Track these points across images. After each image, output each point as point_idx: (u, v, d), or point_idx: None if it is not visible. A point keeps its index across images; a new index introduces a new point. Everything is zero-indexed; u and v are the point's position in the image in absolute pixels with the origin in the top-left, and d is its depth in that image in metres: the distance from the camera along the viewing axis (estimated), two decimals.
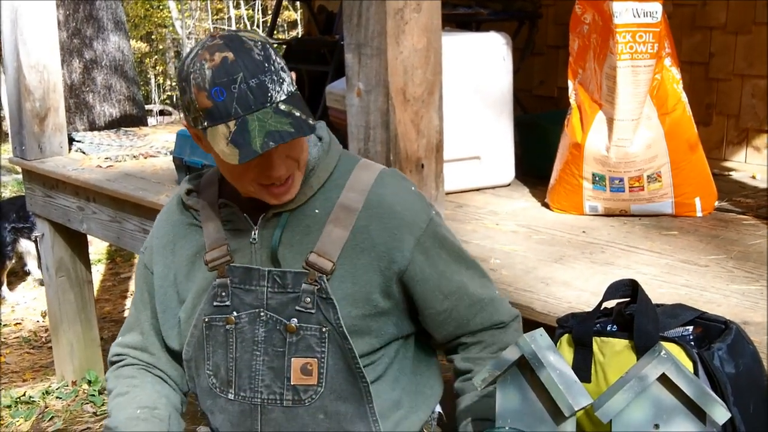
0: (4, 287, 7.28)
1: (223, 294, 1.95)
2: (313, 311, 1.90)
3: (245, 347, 1.94)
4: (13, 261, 7.37)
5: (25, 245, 7.34)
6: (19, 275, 7.58)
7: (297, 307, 1.91)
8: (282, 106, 1.76)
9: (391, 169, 2.06)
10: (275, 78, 1.77)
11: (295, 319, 1.90)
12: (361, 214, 1.93)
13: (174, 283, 2.04)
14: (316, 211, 1.94)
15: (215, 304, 1.96)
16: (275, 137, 1.72)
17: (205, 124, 1.77)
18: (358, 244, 1.91)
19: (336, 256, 1.90)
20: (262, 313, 1.93)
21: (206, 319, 1.96)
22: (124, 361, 2.14)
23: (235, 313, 1.94)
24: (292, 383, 1.92)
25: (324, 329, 1.90)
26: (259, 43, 1.79)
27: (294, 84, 1.85)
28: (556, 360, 1.57)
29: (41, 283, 6.59)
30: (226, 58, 1.74)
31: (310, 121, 1.79)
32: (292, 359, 1.92)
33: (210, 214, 2.01)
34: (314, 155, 1.97)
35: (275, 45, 1.87)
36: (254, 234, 1.95)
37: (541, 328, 1.66)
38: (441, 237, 2.00)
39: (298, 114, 1.77)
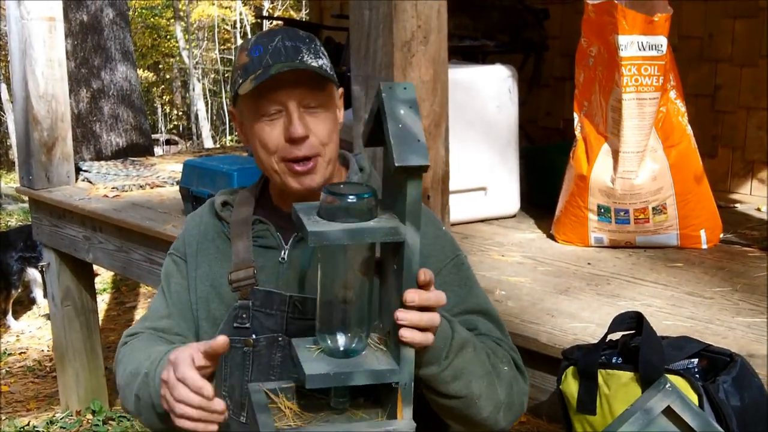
0: (10, 316, 7.28)
1: (244, 316, 1.94)
2: None
3: (261, 371, 1.93)
4: (20, 290, 7.37)
5: (33, 274, 7.35)
6: (24, 304, 7.58)
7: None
8: (309, 63, 1.84)
9: (425, 207, 2.06)
10: (312, 51, 1.86)
11: None
12: None
13: (195, 275, 2.05)
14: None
15: (235, 325, 1.94)
16: (290, 66, 1.80)
17: (240, 81, 1.85)
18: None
19: None
20: (280, 338, 1.91)
21: None
22: (136, 337, 2.09)
23: (254, 336, 1.94)
24: None
25: None
26: (310, 34, 1.92)
27: (333, 73, 1.91)
28: (407, 115, 1.43)
29: (48, 318, 6.59)
30: (273, 29, 1.92)
31: (332, 81, 1.87)
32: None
33: (241, 231, 2.00)
34: (355, 181, 1.99)
35: None
36: (284, 254, 1.95)
37: (412, 83, 1.51)
38: (464, 279, 1.96)
39: (321, 72, 1.84)
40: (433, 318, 1.50)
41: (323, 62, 1.87)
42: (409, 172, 1.39)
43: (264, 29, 22.59)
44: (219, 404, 1.58)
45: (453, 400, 1.71)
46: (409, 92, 1.45)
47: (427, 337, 1.51)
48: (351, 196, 1.46)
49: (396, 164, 1.37)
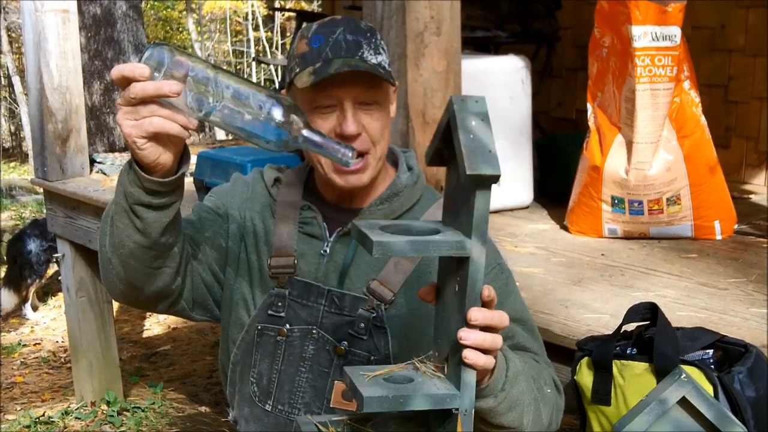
0: (28, 306, 7.28)
1: (279, 304, 1.94)
2: (365, 337, 1.89)
3: (292, 361, 1.93)
4: (43, 281, 7.38)
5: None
6: (39, 295, 7.61)
7: (350, 331, 1.89)
8: (370, 61, 1.82)
9: None
10: (372, 46, 1.85)
11: (346, 342, 1.89)
12: None
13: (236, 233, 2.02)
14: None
15: (270, 312, 1.94)
16: (350, 66, 1.78)
17: (297, 70, 1.84)
18: (421, 277, 1.90)
19: (398, 287, 1.89)
20: (314, 331, 1.92)
21: (259, 327, 1.95)
22: None
23: (287, 326, 1.93)
24: (331, 406, 1.91)
25: (372, 358, 1.88)
26: (371, 26, 1.90)
27: (391, 69, 1.89)
28: (479, 126, 1.39)
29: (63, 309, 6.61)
30: (335, 18, 1.88)
31: (391, 80, 1.84)
32: (336, 382, 1.91)
33: (288, 214, 1.99)
34: (404, 182, 1.99)
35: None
36: (326, 246, 1.95)
37: (484, 97, 1.45)
38: (504, 287, 1.94)
39: (381, 70, 1.82)
40: (496, 339, 1.44)
41: (382, 59, 1.86)
42: (480, 182, 1.35)
43: (275, 21, 22.41)
44: (166, 84, 1.48)
45: (503, 430, 1.67)
46: (480, 105, 1.42)
47: (489, 360, 1.45)
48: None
49: (467, 172, 1.33)
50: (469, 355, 1.39)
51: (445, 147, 1.44)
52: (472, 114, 1.40)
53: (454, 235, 1.40)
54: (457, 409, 1.41)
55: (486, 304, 1.43)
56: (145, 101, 1.50)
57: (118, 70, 1.49)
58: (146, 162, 1.58)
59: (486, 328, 1.42)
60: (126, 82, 1.49)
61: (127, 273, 1.76)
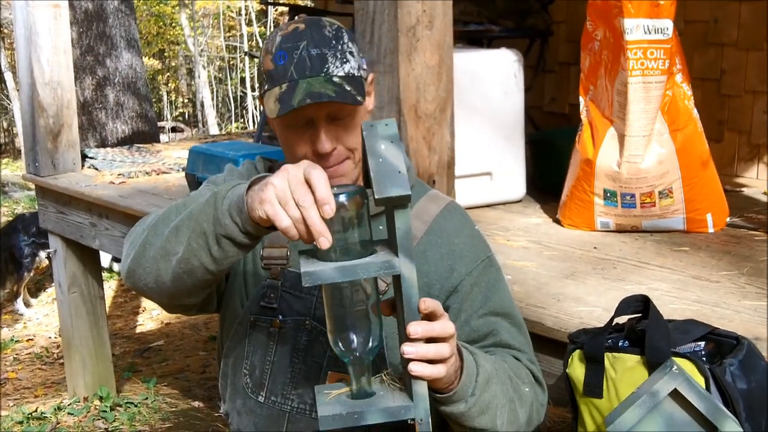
0: (20, 301, 7.27)
1: (272, 295, 1.94)
2: None
3: (285, 353, 1.93)
4: (32, 274, 7.37)
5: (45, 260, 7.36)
6: (31, 291, 7.60)
7: None
8: (335, 79, 1.79)
9: (458, 204, 2.05)
10: (338, 55, 1.81)
11: None
12: (422, 240, 1.93)
13: None
14: (381, 227, 1.91)
15: (262, 304, 1.94)
16: (314, 96, 1.75)
17: (266, 87, 1.83)
18: (417, 267, 1.90)
19: (389, 278, 1.88)
20: (307, 322, 1.92)
21: (252, 318, 1.95)
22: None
23: (280, 317, 1.93)
24: None
25: None
26: (336, 25, 1.86)
27: (361, 72, 1.86)
28: (388, 149, 1.43)
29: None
30: (297, 28, 1.82)
31: (359, 98, 1.80)
32: (329, 373, 1.91)
33: None
34: None
35: None
36: None
37: (392, 119, 1.50)
38: (493, 281, 1.96)
39: (348, 88, 1.79)
40: (440, 349, 1.47)
41: (350, 66, 1.82)
42: (393, 203, 1.40)
43: (269, 16, 22.33)
44: (327, 233, 1.41)
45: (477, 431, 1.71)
46: (390, 128, 1.47)
47: (438, 370, 1.48)
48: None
49: (376, 196, 1.38)
50: (413, 368, 1.44)
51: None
52: (381, 138, 1.45)
53: (384, 256, 1.45)
54: (413, 420, 1.46)
55: (428, 316, 1.47)
56: (298, 209, 1.43)
57: (315, 177, 1.42)
58: (254, 218, 1.54)
59: (431, 339, 1.46)
60: (307, 185, 1.43)
61: (173, 282, 1.74)
